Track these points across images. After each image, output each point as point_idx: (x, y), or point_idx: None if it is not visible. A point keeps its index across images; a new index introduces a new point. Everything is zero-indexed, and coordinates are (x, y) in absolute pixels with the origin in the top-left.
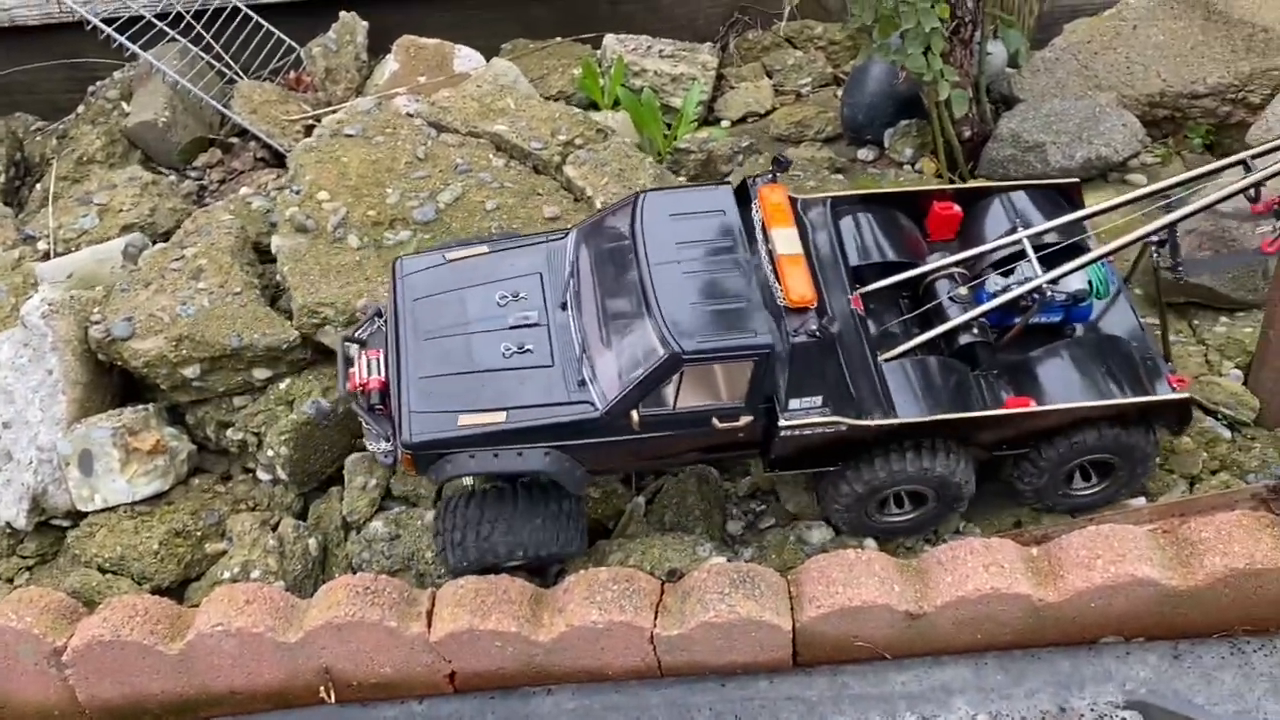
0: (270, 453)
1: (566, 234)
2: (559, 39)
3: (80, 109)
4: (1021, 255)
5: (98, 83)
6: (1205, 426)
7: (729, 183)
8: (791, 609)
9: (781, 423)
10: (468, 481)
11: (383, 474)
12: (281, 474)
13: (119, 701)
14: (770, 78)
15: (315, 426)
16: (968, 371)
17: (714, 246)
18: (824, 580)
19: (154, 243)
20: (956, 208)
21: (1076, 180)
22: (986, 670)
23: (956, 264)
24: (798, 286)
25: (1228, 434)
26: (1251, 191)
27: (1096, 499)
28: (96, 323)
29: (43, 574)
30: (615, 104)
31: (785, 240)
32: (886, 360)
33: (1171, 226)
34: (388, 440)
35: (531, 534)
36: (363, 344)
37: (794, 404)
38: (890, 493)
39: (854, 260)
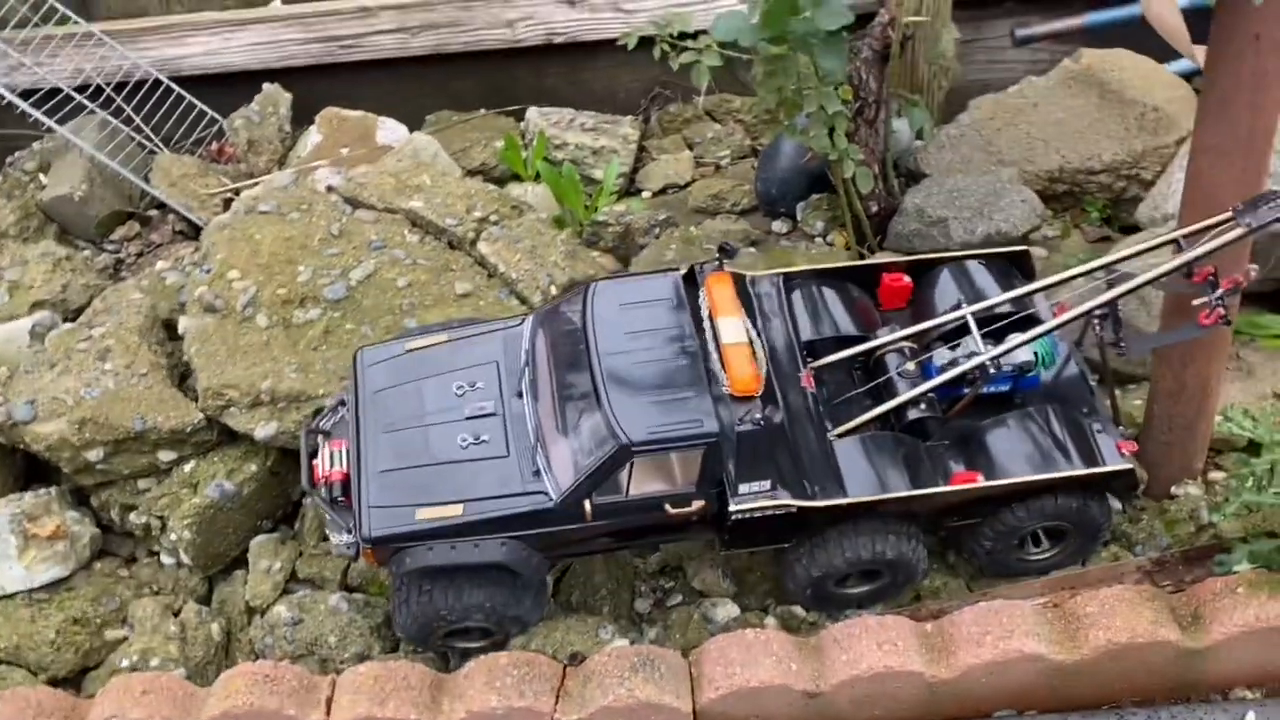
0: (174, 536)
1: (522, 321)
2: (483, 111)
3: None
4: (968, 330)
5: (14, 155)
6: None
7: (677, 269)
8: (692, 691)
9: (732, 507)
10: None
11: (288, 556)
12: (185, 557)
13: None
14: (691, 149)
15: (219, 509)
16: (918, 445)
17: (663, 336)
18: (722, 661)
19: (64, 320)
20: (906, 279)
21: (1026, 249)
22: None
23: (905, 338)
24: (741, 376)
25: (1118, 505)
26: (1186, 270)
27: (1051, 563)
28: (0, 404)
29: None
30: (537, 176)
31: (730, 329)
32: (837, 436)
33: (1113, 302)
34: (349, 532)
35: (478, 594)
36: (327, 434)
37: (744, 489)
38: (848, 571)
39: (806, 335)
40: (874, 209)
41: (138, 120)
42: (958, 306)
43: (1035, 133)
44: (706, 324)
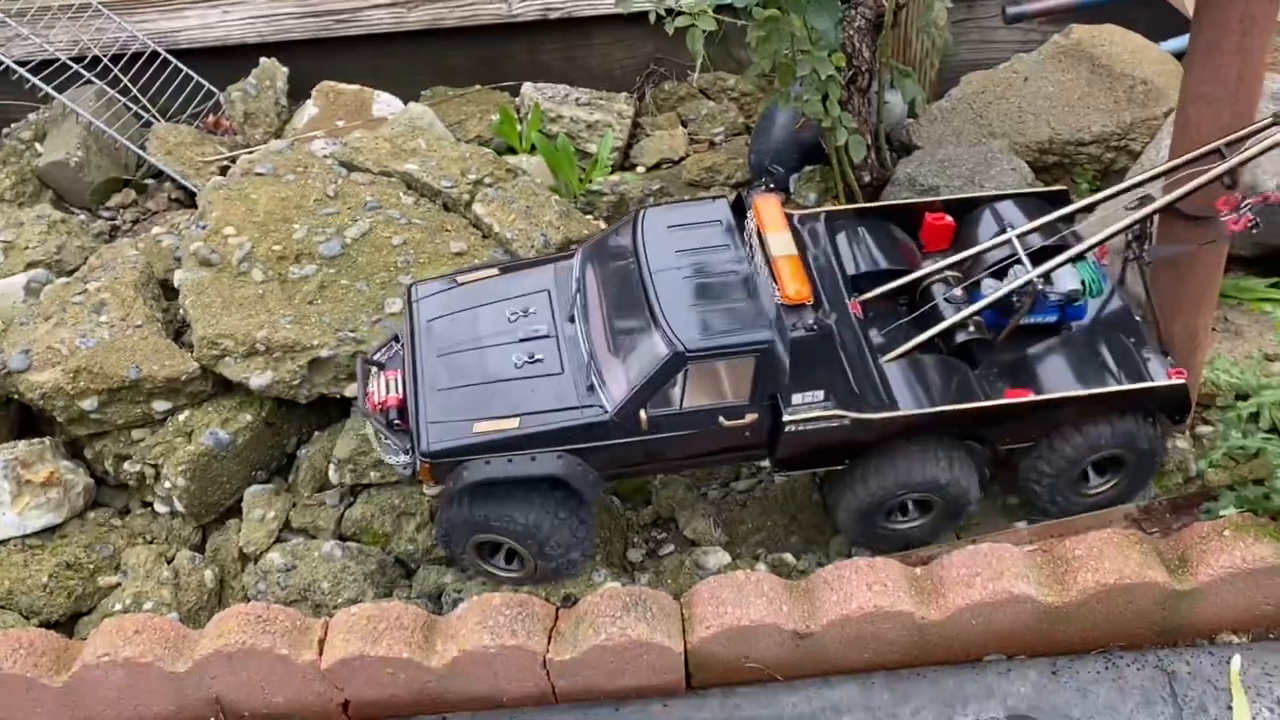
0: (168, 485)
1: (572, 254)
2: (478, 87)
3: None
4: (1014, 260)
5: (10, 125)
6: None
7: (724, 196)
8: (683, 631)
9: (786, 418)
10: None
11: (282, 506)
12: (179, 506)
13: None
14: (685, 126)
15: (214, 458)
16: (967, 370)
17: (712, 253)
18: (714, 601)
19: (58, 279)
20: (949, 218)
21: (1064, 189)
22: (874, 690)
23: (950, 267)
24: (793, 283)
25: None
26: (1227, 179)
27: (1110, 496)
28: None
29: None
30: (532, 149)
31: (780, 243)
32: (887, 361)
33: (1144, 221)
34: (406, 453)
35: (545, 545)
36: (381, 366)
37: (797, 399)
38: (898, 502)
39: (851, 270)
40: (866, 179)
41: (135, 91)
42: (1001, 233)
43: (1026, 106)
44: (755, 240)
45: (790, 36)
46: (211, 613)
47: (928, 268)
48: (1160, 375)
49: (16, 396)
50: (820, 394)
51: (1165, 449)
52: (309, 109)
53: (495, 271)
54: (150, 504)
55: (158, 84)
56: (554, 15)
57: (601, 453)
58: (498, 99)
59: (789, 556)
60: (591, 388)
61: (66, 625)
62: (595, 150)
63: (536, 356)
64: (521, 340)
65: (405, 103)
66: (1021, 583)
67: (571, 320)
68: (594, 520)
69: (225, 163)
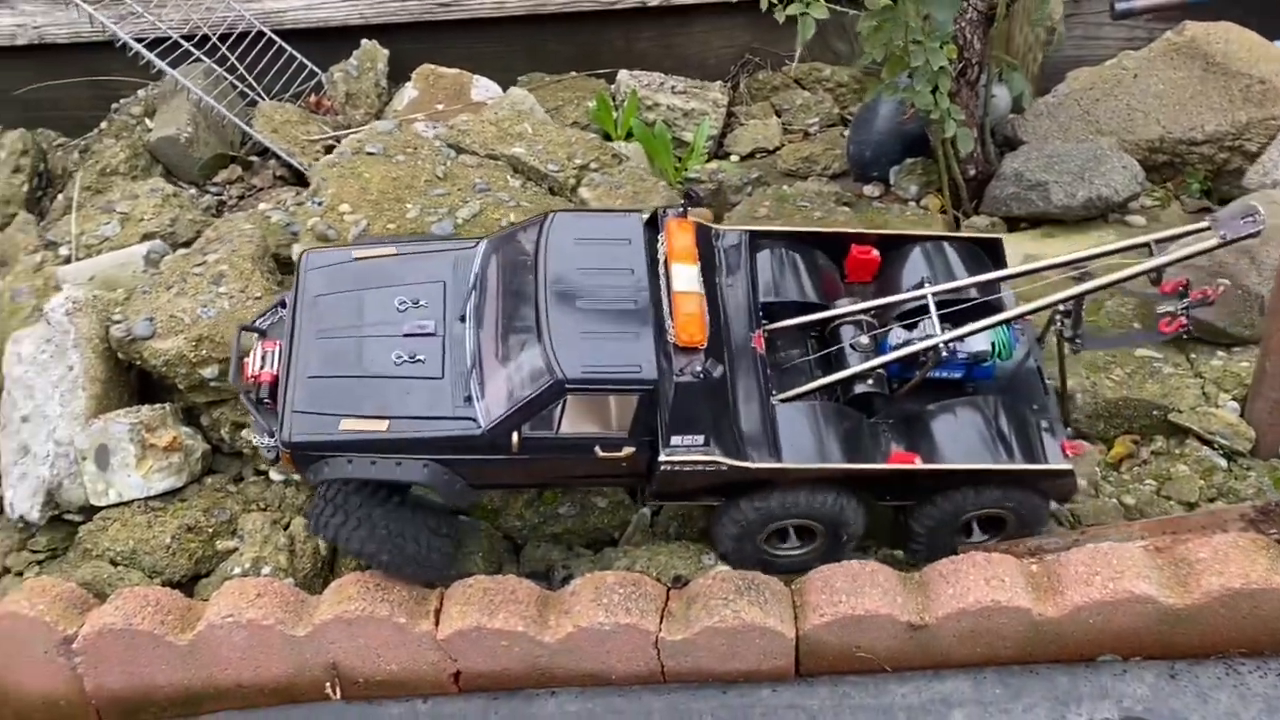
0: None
1: (477, 243)
2: (573, 74)
3: (103, 125)
4: (927, 315)
5: (121, 100)
6: (1203, 455)
7: (641, 211)
8: (795, 617)
9: (662, 458)
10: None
11: None
12: (293, 475)
13: (125, 693)
14: (779, 116)
15: None
16: (861, 419)
17: (615, 275)
18: (828, 589)
19: (174, 251)
20: (875, 253)
21: (999, 237)
22: (985, 684)
23: (864, 311)
24: (688, 326)
25: (1224, 463)
26: (1154, 275)
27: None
28: (118, 322)
29: (53, 569)
30: (627, 136)
31: (684, 278)
32: (781, 401)
33: (1077, 299)
34: (271, 436)
35: (391, 549)
36: (262, 334)
37: (676, 440)
38: (778, 527)
39: (764, 296)
40: (971, 173)
41: (241, 69)
42: (920, 285)
43: (1135, 103)
44: (662, 267)
45: (905, 26)
46: (325, 580)
47: (841, 308)
48: (1054, 453)
49: (139, 362)
50: (700, 439)
51: (1046, 516)
52: (409, 91)
53: (393, 250)
54: (264, 472)
55: (262, 63)
56: (653, 2)
57: (472, 466)
58: (593, 86)
59: (898, 553)
60: (469, 398)
61: (186, 586)
62: (691, 138)
63: (418, 356)
64: (405, 335)
65: (502, 88)
66: (1143, 583)
67: (462, 320)
68: (455, 544)
69: (330, 142)
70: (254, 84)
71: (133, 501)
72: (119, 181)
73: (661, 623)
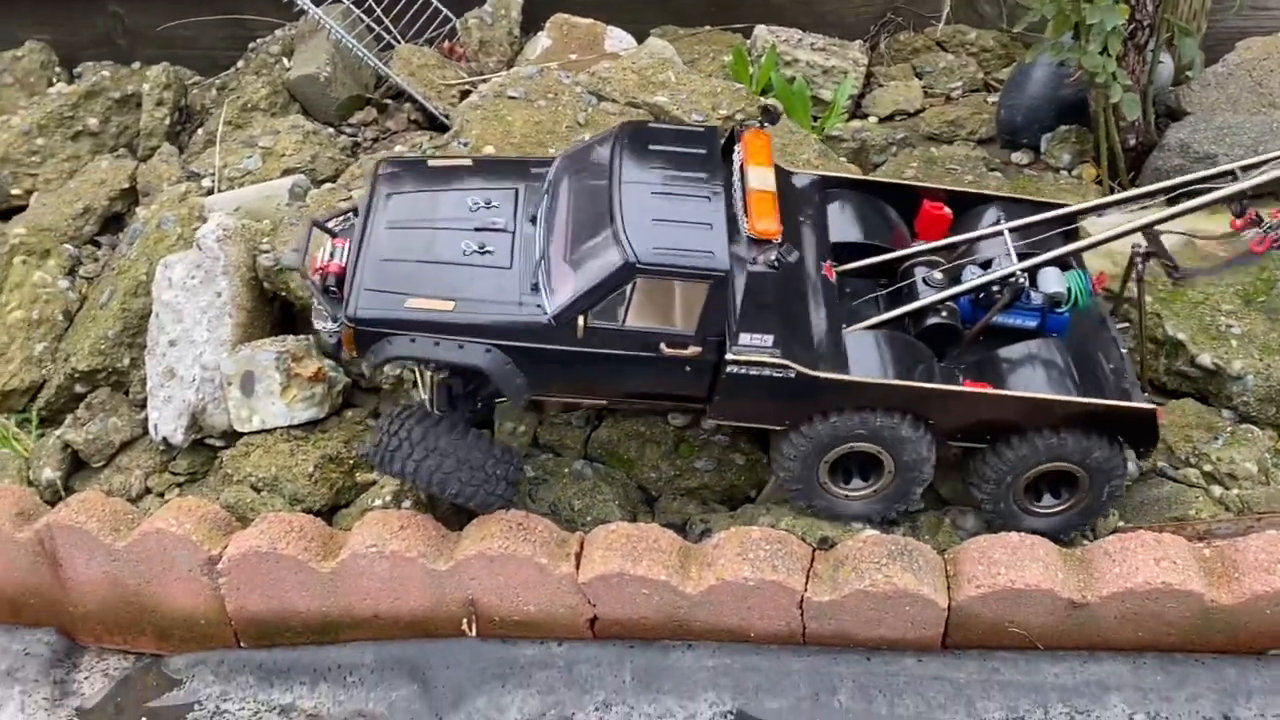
0: (424, 394)
1: (550, 160)
2: (707, 27)
3: (240, 63)
4: (1003, 254)
5: (259, 39)
6: None
7: (718, 127)
8: (948, 588)
9: (729, 356)
10: (421, 396)
11: (531, 421)
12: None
13: (265, 615)
14: (920, 79)
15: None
16: (931, 356)
17: (689, 176)
18: (985, 560)
19: (316, 187)
20: (947, 210)
21: (1076, 209)
22: (1146, 670)
23: (936, 250)
24: (763, 218)
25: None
26: (1235, 206)
27: (1057, 520)
28: (266, 251)
29: (192, 491)
30: (763, 92)
31: (759, 177)
32: (850, 331)
33: (1157, 236)
34: (335, 321)
35: (453, 477)
36: (332, 233)
37: (744, 338)
38: (843, 454)
39: (836, 237)
40: (1131, 142)
41: (378, 12)
42: (996, 224)
43: None
44: (737, 173)
45: None
46: (462, 518)
47: (913, 248)
48: (1135, 396)
49: (284, 293)
50: (770, 339)
51: (1125, 476)
52: (542, 40)
53: (469, 161)
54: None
55: (399, 7)
56: None
57: (532, 356)
58: (729, 40)
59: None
60: (536, 287)
61: (325, 516)
62: (828, 97)
63: (487, 247)
64: (476, 229)
65: (636, 39)
66: None
67: (533, 222)
68: (518, 478)
69: (465, 88)
70: (390, 27)
71: (275, 429)
72: (259, 117)
73: (807, 583)
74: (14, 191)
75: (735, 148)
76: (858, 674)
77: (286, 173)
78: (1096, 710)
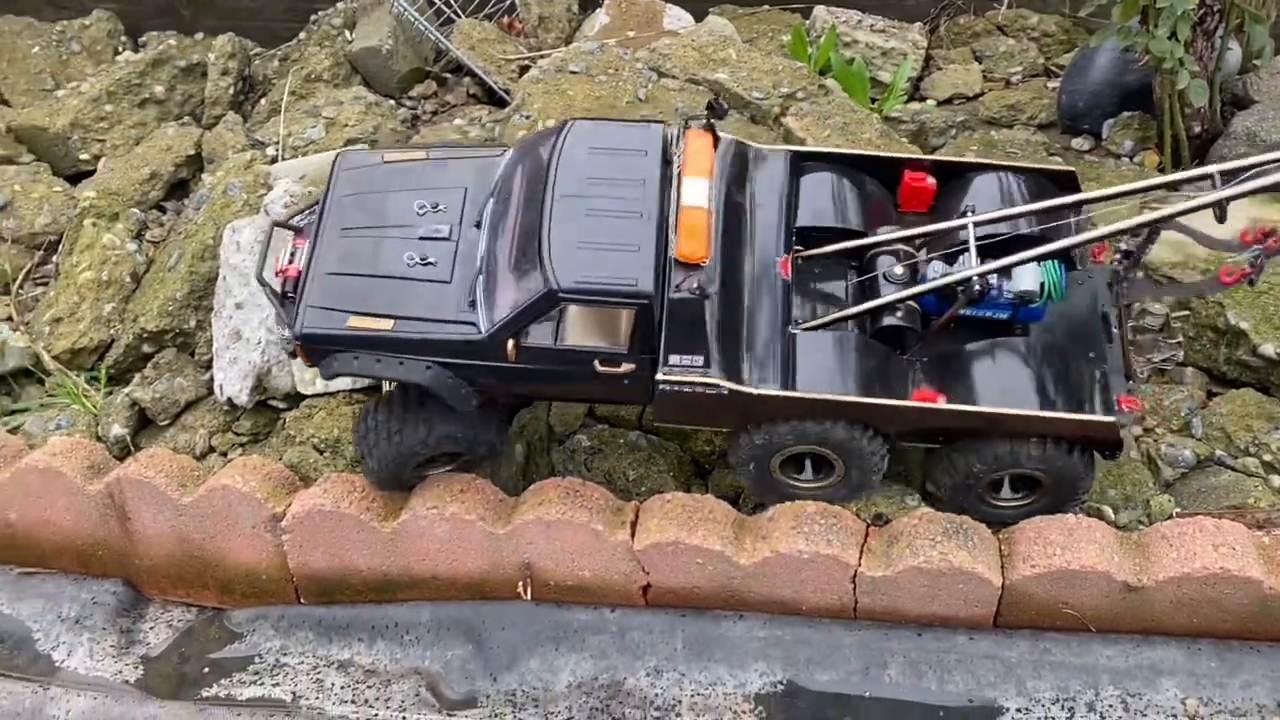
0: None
1: (504, 151)
2: (766, 7)
3: (302, 35)
4: (966, 248)
5: (320, 11)
6: None
7: (664, 123)
8: (1002, 567)
9: (659, 376)
10: (385, 388)
11: None
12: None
13: (325, 573)
14: (979, 63)
15: None
16: (889, 354)
17: (625, 187)
18: (1040, 541)
19: None
20: (930, 180)
21: (1072, 169)
22: (1200, 656)
23: (901, 240)
24: (689, 241)
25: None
26: (1216, 211)
27: (1020, 515)
28: None
29: (254, 451)
30: (822, 72)
31: (693, 191)
32: (802, 330)
33: (1142, 240)
34: (289, 329)
35: (439, 428)
36: (297, 231)
37: (673, 359)
38: (794, 454)
39: (804, 221)
40: (1196, 129)
41: None
42: (964, 216)
43: None
44: (674, 181)
45: None
46: (517, 485)
47: (880, 235)
48: (1103, 404)
49: None
50: (700, 359)
51: (1092, 480)
52: (600, 17)
53: (423, 155)
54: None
55: None
56: None
57: (472, 371)
58: (787, 19)
59: (1108, 509)
60: (473, 303)
61: None
62: (886, 79)
63: (429, 259)
64: (420, 239)
65: (694, 18)
66: None
67: (477, 225)
68: (502, 413)
69: (525, 62)
70: (450, 1)
71: (337, 393)
72: (322, 88)
73: (861, 557)
74: (82, 156)
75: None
76: (908, 649)
77: (349, 142)
78: (1148, 694)
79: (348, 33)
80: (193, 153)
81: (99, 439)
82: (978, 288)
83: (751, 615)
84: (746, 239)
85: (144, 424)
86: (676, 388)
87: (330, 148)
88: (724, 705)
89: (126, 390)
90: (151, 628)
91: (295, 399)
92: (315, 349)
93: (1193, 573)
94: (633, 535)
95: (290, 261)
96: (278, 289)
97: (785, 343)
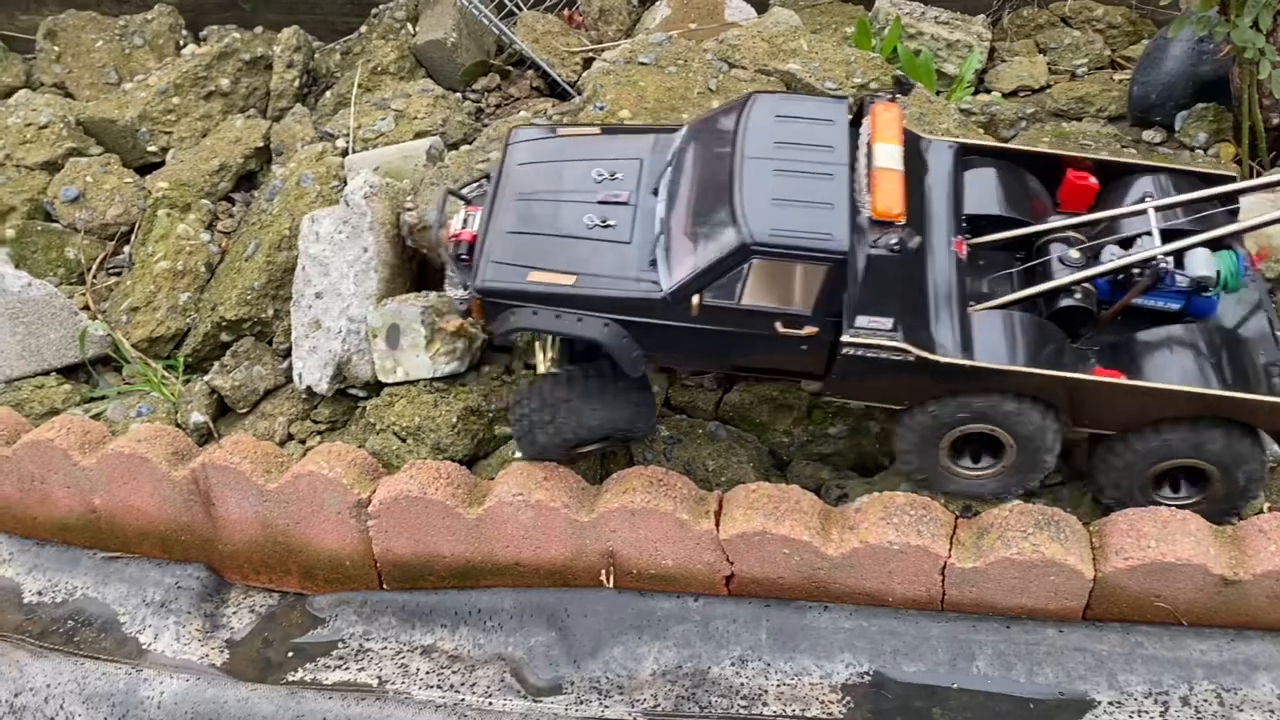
0: (542, 363)
1: (676, 127)
2: None
3: (363, 28)
4: (1145, 233)
5: (381, 5)
6: None
7: (847, 98)
8: (1094, 559)
9: (845, 338)
10: (540, 369)
11: (663, 383)
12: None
13: (409, 558)
14: (1044, 55)
15: None
16: (1063, 338)
17: (813, 152)
18: (1134, 533)
19: (450, 150)
20: (1093, 180)
21: (1233, 173)
22: None
23: (1075, 227)
24: (885, 199)
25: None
26: None
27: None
28: (410, 209)
29: (333, 439)
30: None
31: (886, 155)
32: (977, 310)
33: None
34: (465, 288)
35: (597, 415)
36: (467, 201)
37: (862, 320)
38: (963, 433)
39: (970, 209)
40: (1275, 121)
41: None
42: (1142, 201)
43: None
44: (863, 149)
45: None
46: (594, 474)
47: (1052, 223)
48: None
49: (425, 250)
50: (889, 321)
51: (1265, 473)
52: (661, 9)
53: (596, 130)
54: (532, 367)
55: None
56: None
57: (649, 330)
58: (850, 12)
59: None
60: (654, 263)
61: (465, 466)
62: (951, 71)
63: (609, 221)
64: (600, 202)
65: (755, 10)
66: None
67: (655, 193)
68: (653, 397)
69: (589, 55)
70: None
71: (418, 381)
72: (388, 81)
73: (950, 549)
74: (150, 148)
75: (864, 120)
76: (997, 641)
77: (419, 135)
78: (1244, 689)
79: (410, 26)
80: (261, 145)
81: (178, 426)
82: (1162, 265)
83: (837, 606)
84: (926, 217)
85: (223, 411)
86: (860, 352)
87: (399, 140)
88: (811, 695)
89: (206, 378)
90: (234, 612)
91: (375, 388)
92: (494, 303)
93: None
94: (717, 525)
95: (463, 227)
96: (451, 252)
97: (963, 319)
